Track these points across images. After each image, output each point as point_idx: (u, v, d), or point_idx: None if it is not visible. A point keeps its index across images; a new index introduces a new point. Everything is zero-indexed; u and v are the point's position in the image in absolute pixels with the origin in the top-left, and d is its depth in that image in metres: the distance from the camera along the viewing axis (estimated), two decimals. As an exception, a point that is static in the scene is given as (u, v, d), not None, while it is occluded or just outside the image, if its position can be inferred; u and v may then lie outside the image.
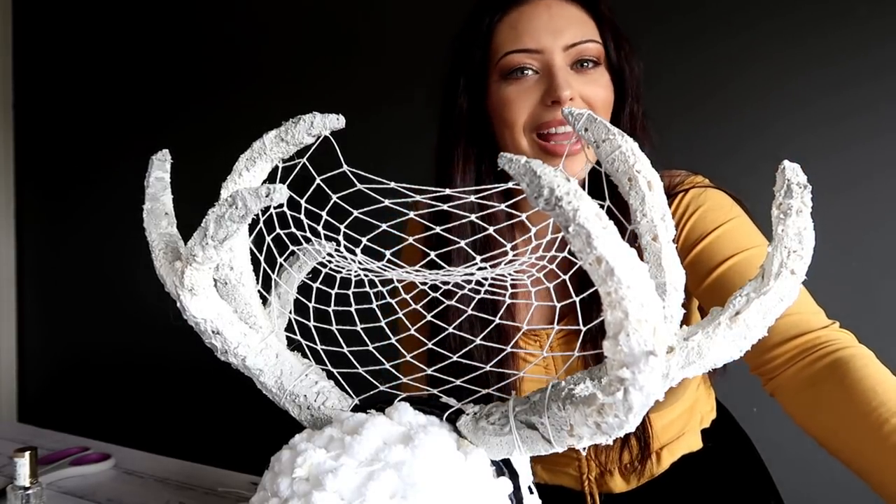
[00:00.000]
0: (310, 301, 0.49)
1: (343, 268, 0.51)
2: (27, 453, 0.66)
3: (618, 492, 0.80)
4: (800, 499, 0.88)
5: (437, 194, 0.45)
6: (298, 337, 0.49)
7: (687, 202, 0.72)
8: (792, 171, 0.39)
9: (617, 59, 0.71)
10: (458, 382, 0.45)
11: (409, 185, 0.46)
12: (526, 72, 0.69)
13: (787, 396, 0.62)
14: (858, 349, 0.60)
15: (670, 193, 0.73)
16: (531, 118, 0.69)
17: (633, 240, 0.40)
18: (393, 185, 0.45)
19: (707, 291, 0.68)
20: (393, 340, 0.49)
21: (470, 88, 0.74)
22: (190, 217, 0.49)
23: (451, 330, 0.51)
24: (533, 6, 0.69)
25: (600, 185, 0.44)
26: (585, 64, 0.69)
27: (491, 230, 0.53)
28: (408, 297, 0.57)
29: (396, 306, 0.49)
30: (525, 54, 0.68)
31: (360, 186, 0.45)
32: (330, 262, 0.51)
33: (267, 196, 0.35)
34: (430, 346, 0.51)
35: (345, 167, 0.45)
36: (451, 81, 0.76)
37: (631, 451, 0.76)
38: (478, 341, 0.54)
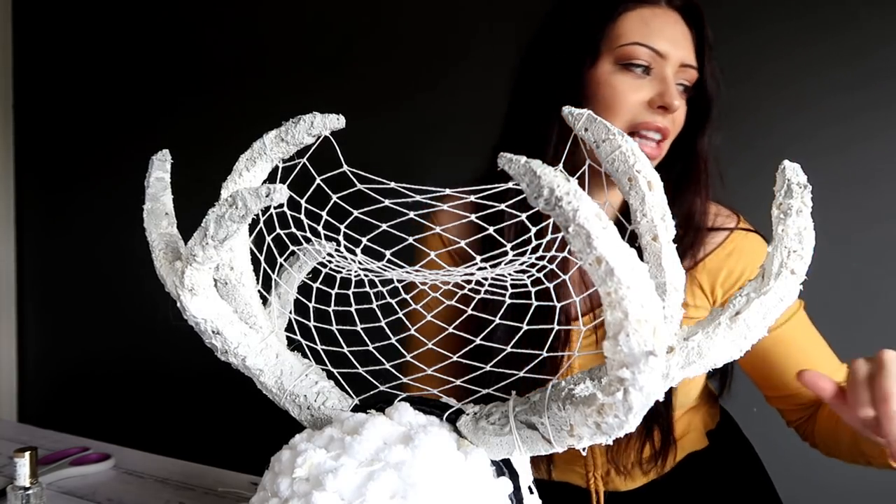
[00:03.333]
0: (310, 301, 0.49)
1: (343, 268, 0.51)
2: (27, 453, 0.66)
3: (623, 490, 0.80)
4: (797, 497, 0.88)
5: (437, 194, 0.45)
6: (298, 337, 0.49)
7: (744, 250, 0.76)
8: (792, 171, 0.39)
9: (713, 87, 0.74)
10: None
11: (408, 185, 0.46)
12: (645, 69, 0.70)
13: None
14: None
15: (717, 228, 0.77)
16: (634, 116, 0.71)
17: (633, 240, 0.40)
18: (393, 185, 0.45)
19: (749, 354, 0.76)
20: (394, 340, 0.49)
21: (580, 59, 0.73)
22: (190, 217, 0.49)
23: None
24: (665, 12, 0.71)
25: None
26: (685, 88, 0.73)
27: (491, 230, 0.53)
28: (417, 297, 0.57)
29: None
30: (650, 52, 0.69)
31: (360, 186, 0.45)
32: (330, 262, 0.51)
33: (267, 196, 0.35)
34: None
35: (345, 167, 0.45)
36: (557, 47, 0.75)
37: (654, 443, 0.76)
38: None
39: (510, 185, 0.37)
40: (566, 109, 0.44)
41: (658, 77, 0.70)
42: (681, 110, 0.72)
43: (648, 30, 0.70)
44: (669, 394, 0.76)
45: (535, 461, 0.80)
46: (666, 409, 0.76)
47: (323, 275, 0.52)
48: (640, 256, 0.37)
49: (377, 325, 0.49)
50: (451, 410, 0.41)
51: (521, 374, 0.45)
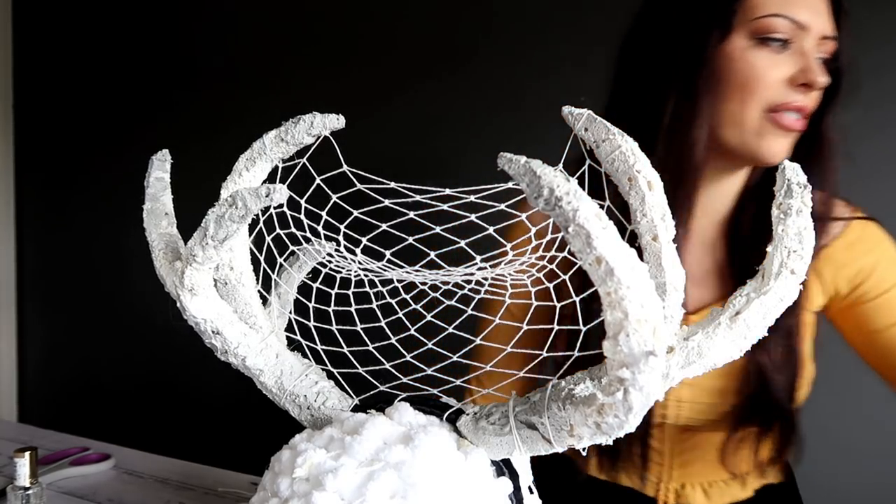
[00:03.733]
0: (310, 301, 0.49)
1: (343, 268, 0.51)
2: (27, 453, 0.66)
3: None
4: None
5: (437, 194, 0.45)
6: (298, 337, 0.49)
7: (868, 240, 0.73)
8: (792, 171, 0.39)
9: (846, 59, 0.67)
10: (458, 382, 0.45)
11: (408, 185, 0.46)
12: (785, 42, 0.64)
13: None
14: None
15: (837, 218, 0.72)
16: (771, 93, 0.65)
17: (633, 240, 0.40)
18: (393, 184, 0.45)
19: (870, 344, 0.73)
20: (394, 340, 0.49)
21: (708, 34, 0.66)
22: (190, 217, 0.49)
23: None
24: None
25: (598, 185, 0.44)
26: (823, 61, 0.66)
27: (491, 230, 0.53)
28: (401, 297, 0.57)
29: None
30: (791, 24, 0.63)
31: (360, 186, 0.45)
32: (330, 262, 0.51)
33: (267, 196, 0.35)
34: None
35: (345, 167, 0.45)
36: (678, 20, 0.69)
37: (775, 439, 0.72)
38: (478, 341, 0.54)
39: (510, 184, 0.37)
40: (566, 109, 0.44)
41: (798, 51, 0.64)
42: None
43: (790, 1, 0.63)
44: (793, 385, 0.71)
45: (603, 463, 0.77)
46: (788, 401, 0.71)
47: (323, 275, 0.52)
48: (640, 256, 0.37)
49: (377, 325, 0.49)
50: (451, 410, 0.41)
51: (521, 373, 0.45)
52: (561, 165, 0.42)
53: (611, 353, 0.29)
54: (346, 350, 0.47)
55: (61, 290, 2.14)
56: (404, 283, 0.52)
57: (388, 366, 0.47)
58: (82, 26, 2.04)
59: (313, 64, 1.65)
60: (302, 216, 0.47)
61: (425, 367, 0.48)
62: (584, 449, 0.35)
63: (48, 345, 2.18)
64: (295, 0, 1.68)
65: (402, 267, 0.50)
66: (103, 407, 2.04)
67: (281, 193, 0.35)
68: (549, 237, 0.48)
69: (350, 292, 0.51)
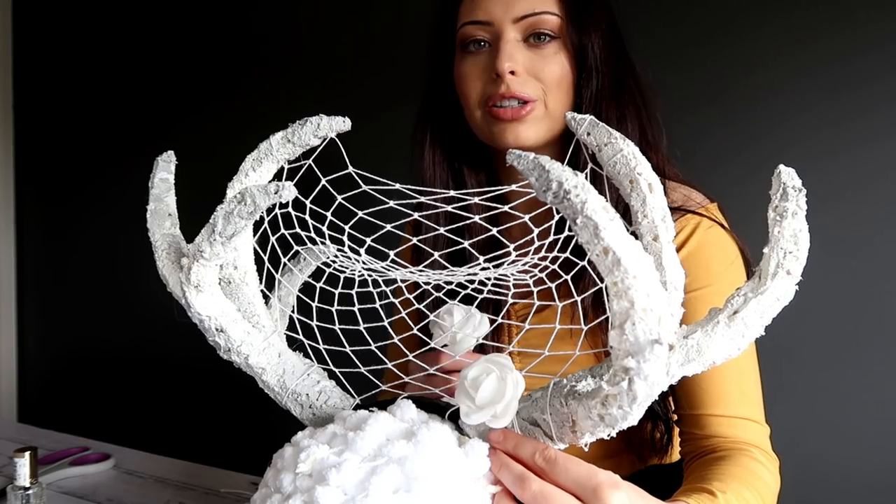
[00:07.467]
0: (313, 301, 0.49)
1: (347, 268, 0.51)
2: (27, 453, 0.66)
3: None
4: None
5: (441, 195, 0.45)
6: (301, 336, 0.49)
7: (699, 241, 0.69)
8: (787, 175, 0.40)
9: (577, 34, 0.68)
10: (455, 381, 0.46)
11: (413, 187, 0.46)
12: (480, 44, 0.69)
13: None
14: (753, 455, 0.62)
15: (685, 209, 0.70)
16: (482, 92, 0.68)
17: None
18: (398, 186, 0.45)
19: None
20: (396, 340, 0.49)
21: (440, 65, 0.74)
22: (192, 218, 0.49)
23: (452, 329, 0.52)
24: None
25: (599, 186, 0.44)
26: (541, 38, 0.67)
27: (494, 231, 0.53)
28: (411, 296, 0.58)
29: (400, 306, 0.50)
30: (477, 26, 0.68)
31: (365, 188, 0.46)
32: (334, 262, 0.52)
33: (276, 193, 0.36)
34: (432, 344, 0.51)
35: (350, 168, 0.46)
36: (427, 62, 0.77)
37: (657, 426, 0.72)
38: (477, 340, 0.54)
39: (514, 187, 0.38)
40: (569, 115, 0.44)
41: (494, 45, 0.67)
42: (543, 62, 0.67)
43: (473, 6, 0.68)
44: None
45: None
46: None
47: (326, 274, 0.52)
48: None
49: (379, 324, 0.49)
50: (453, 409, 0.42)
51: (523, 373, 0.45)
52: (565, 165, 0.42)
53: (616, 342, 0.29)
54: (348, 349, 0.48)
55: (61, 290, 2.14)
56: (407, 282, 0.52)
57: (390, 365, 0.48)
58: (83, 27, 2.05)
59: (320, 66, 1.65)
60: (307, 216, 0.47)
61: (427, 367, 0.49)
62: (586, 445, 0.35)
63: (48, 345, 2.17)
64: (300, 4, 1.69)
65: (405, 267, 0.51)
66: (103, 407, 2.04)
67: (289, 191, 0.36)
68: (551, 238, 0.48)
69: (353, 292, 0.51)
